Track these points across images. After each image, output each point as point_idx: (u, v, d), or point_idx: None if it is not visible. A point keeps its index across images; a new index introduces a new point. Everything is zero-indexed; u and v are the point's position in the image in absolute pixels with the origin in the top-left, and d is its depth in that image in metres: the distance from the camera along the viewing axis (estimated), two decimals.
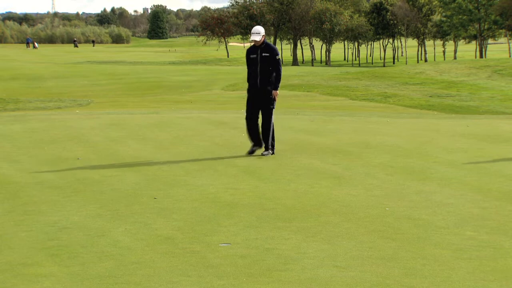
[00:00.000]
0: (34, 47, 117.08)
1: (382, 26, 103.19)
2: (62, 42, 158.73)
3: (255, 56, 11.73)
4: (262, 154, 11.76)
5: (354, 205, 8.14)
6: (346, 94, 33.07)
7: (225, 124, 16.61)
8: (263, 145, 11.96)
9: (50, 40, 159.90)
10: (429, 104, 28.06)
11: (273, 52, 11.72)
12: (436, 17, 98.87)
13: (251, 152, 11.85)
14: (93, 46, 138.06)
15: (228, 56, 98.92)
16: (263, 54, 11.68)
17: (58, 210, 7.91)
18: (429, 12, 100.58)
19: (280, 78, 11.74)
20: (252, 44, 11.94)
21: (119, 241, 6.63)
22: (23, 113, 23.03)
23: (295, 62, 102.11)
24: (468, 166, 10.81)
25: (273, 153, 11.85)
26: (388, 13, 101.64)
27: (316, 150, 12.51)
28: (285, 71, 57.81)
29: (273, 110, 11.95)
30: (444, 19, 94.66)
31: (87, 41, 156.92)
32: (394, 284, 5.33)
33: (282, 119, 18.01)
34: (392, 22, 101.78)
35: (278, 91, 11.85)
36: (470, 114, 24.31)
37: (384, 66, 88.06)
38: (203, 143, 13.55)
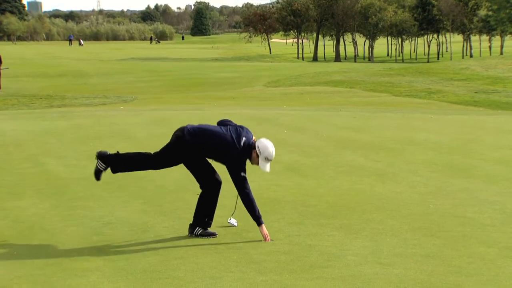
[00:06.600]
0: (80, 44, 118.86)
1: (427, 21, 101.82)
2: (107, 39, 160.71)
3: None
4: None
5: (398, 202, 8.07)
6: (389, 91, 32.75)
7: (268, 120, 16.60)
8: None
9: (95, 37, 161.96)
10: (475, 100, 27.61)
11: None
12: (482, 12, 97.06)
13: None
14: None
15: (270, 53, 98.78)
16: None
17: (103, 206, 8.03)
18: (475, 6, 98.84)
19: None
20: None
21: (163, 236, 6.70)
22: (69, 109, 23.41)
23: (337, 58, 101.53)
24: None
25: None
26: (434, 8, 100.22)
27: (359, 147, 12.43)
28: (328, 67, 57.49)
29: None
30: (491, 13, 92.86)
31: (131, 38, 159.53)
32: (439, 282, 5.27)
33: (325, 116, 17.93)
34: (437, 17, 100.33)
35: None
36: None
37: (428, 61, 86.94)
38: None
